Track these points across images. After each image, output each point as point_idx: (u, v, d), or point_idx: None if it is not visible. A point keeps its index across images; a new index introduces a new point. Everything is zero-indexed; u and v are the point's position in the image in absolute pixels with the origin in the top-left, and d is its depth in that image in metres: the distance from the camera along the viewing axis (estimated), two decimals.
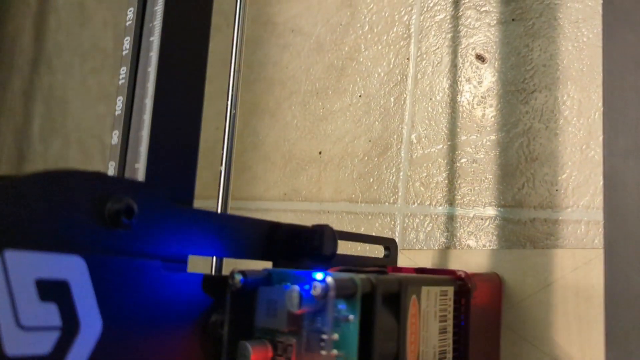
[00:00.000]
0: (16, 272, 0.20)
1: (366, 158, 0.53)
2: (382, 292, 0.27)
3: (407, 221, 0.49)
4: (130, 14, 0.31)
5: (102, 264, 0.23)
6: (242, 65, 0.39)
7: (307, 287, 0.25)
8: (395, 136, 0.52)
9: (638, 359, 0.32)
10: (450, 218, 0.47)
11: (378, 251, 0.42)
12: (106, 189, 0.23)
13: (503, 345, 0.41)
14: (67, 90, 0.84)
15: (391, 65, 0.53)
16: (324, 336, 0.25)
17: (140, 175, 0.27)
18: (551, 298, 0.40)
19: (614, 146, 0.31)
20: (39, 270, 0.21)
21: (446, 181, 0.48)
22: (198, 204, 0.28)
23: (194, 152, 0.29)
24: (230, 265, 0.29)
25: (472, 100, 0.48)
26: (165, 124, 0.28)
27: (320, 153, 0.56)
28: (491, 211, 0.45)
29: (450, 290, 0.34)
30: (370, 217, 0.51)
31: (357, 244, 0.50)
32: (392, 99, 0.53)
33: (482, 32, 0.48)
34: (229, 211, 0.36)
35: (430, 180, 0.49)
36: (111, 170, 0.29)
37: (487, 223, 0.45)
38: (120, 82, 0.30)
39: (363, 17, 0.56)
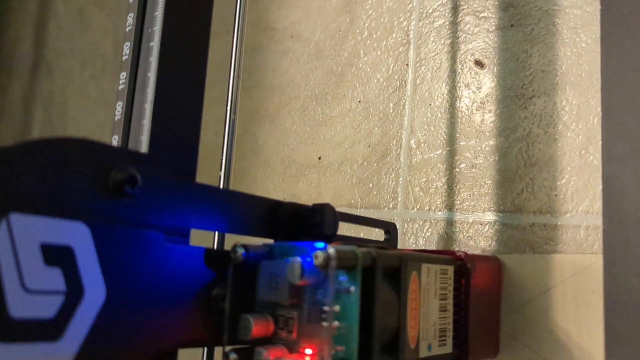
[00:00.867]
0: (21, 235, 0.20)
1: (365, 163, 0.53)
2: (383, 265, 0.27)
3: (406, 226, 0.49)
4: (130, 19, 0.31)
5: (106, 232, 0.23)
6: (242, 70, 0.39)
7: (309, 259, 0.26)
8: (394, 141, 0.52)
9: None
10: (450, 223, 0.47)
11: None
12: (110, 159, 0.24)
13: (502, 351, 0.41)
14: (67, 96, 0.85)
15: (390, 71, 0.54)
16: (325, 308, 0.25)
17: None
18: (551, 303, 0.40)
19: (612, 152, 0.31)
20: (43, 234, 0.21)
21: (445, 186, 0.48)
22: None
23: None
24: (232, 242, 0.29)
25: (471, 106, 0.48)
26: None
27: (319, 158, 0.56)
28: (490, 216, 0.45)
29: (450, 269, 0.35)
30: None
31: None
32: (391, 105, 0.53)
33: (481, 37, 0.48)
34: None
35: (430, 185, 0.49)
36: None
37: (486, 228, 0.45)
38: (120, 87, 0.30)
39: (362, 23, 0.57)
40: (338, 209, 0.54)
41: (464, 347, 0.35)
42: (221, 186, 0.38)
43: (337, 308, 0.25)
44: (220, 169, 0.37)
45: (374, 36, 0.55)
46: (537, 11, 0.46)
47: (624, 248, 0.30)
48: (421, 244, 0.48)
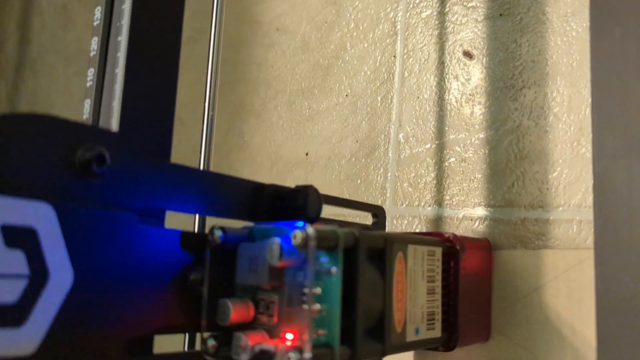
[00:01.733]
0: None
1: (353, 159, 0.52)
2: (367, 246, 0.26)
3: (395, 223, 0.48)
4: (98, 13, 0.29)
5: (73, 213, 0.22)
6: (220, 65, 0.38)
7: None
8: (382, 136, 0.51)
9: None
10: (439, 219, 0.46)
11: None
12: (77, 137, 0.23)
13: (494, 350, 0.40)
14: (51, 93, 0.83)
15: (377, 64, 0.52)
16: (306, 290, 0.24)
17: None
18: (543, 300, 0.39)
19: (603, 147, 0.30)
20: (4, 215, 0.20)
21: (435, 181, 0.47)
22: None
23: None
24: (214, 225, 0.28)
25: (460, 98, 0.47)
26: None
27: (307, 154, 0.55)
28: (481, 211, 0.44)
29: (438, 251, 0.34)
30: (358, 219, 0.50)
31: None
32: (378, 98, 0.51)
33: (469, 28, 0.47)
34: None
35: (419, 180, 0.48)
36: None
37: (476, 224, 0.44)
38: (88, 84, 0.29)
39: (348, 15, 0.55)
40: (326, 206, 0.52)
41: (453, 331, 0.34)
42: None
43: (318, 290, 0.24)
44: (199, 166, 0.36)
45: (361, 28, 0.54)
46: None
47: (615, 245, 0.29)
48: None
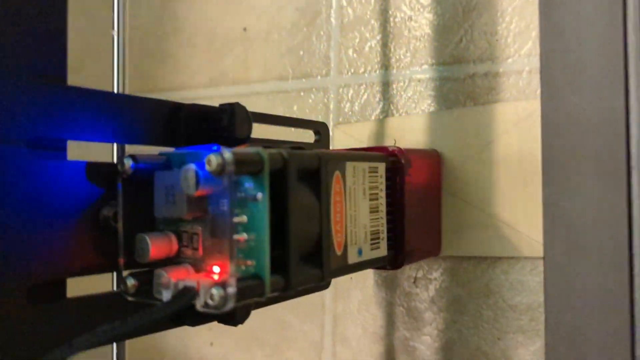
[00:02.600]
0: None
1: (294, 29, 0.48)
2: (297, 167, 0.24)
3: (341, 92, 0.45)
4: None
5: None
6: None
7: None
8: (324, 1, 0.47)
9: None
10: (387, 84, 0.43)
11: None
12: None
13: (444, 210, 0.39)
14: None
15: None
16: (229, 219, 0.22)
17: None
18: (493, 157, 0.38)
19: None
20: None
21: (380, 44, 0.44)
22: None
23: (59, 21, 0.24)
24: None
25: None
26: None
27: (245, 29, 0.51)
28: (429, 71, 0.41)
29: (382, 166, 0.32)
30: (302, 94, 0.47)
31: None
32: None
33: None
34: None
35: (364, 45, 0.44)
36: None
37: (425, 85, 0.41)
38: None
39: None
40: (268, 83, 0.49)
41: (400, 248, 0.33)
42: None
43: (243, 219, 0.22)
44: (112, 28, 0.32)
45: None
46: None
47: (562, 66, 0.27)
48: (357, 111, 0.44)
